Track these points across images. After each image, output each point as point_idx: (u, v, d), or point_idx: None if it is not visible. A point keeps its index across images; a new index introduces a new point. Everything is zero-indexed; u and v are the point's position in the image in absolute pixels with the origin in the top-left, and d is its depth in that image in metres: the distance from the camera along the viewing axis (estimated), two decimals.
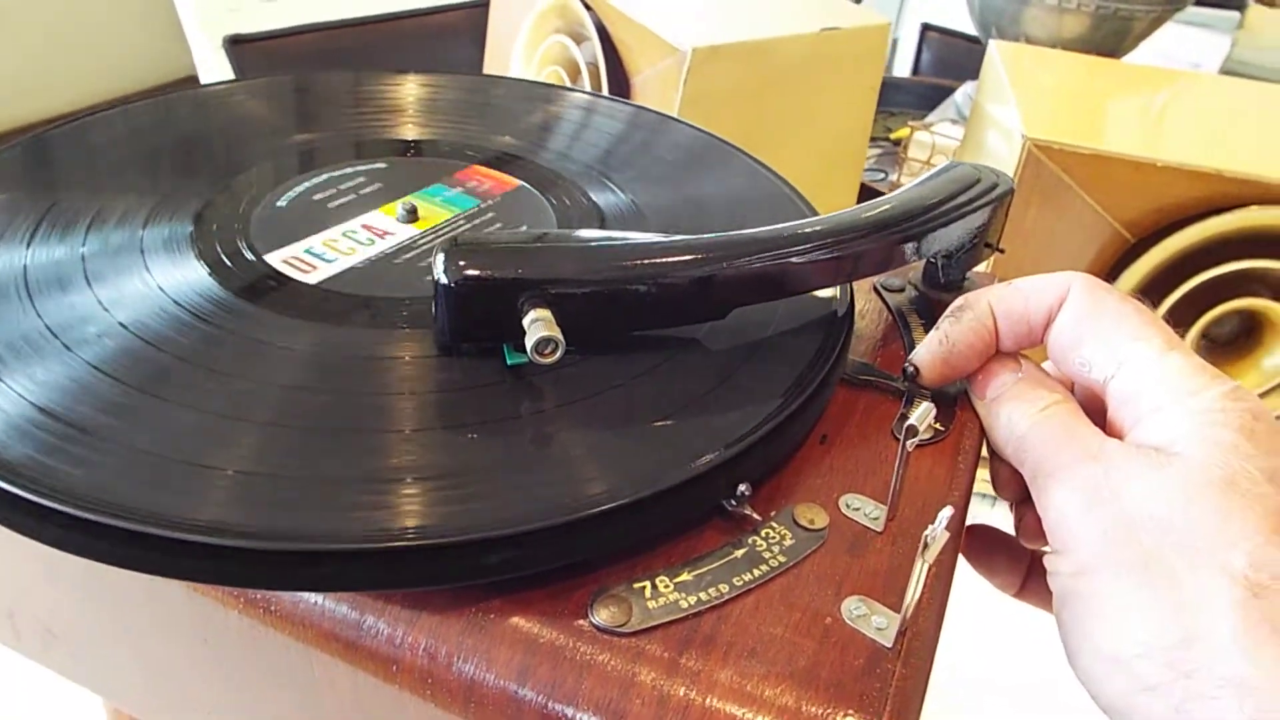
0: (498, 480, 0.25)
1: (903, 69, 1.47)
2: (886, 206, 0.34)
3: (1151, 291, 0.64)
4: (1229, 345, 0.67)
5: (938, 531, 0.23)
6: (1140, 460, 0.26)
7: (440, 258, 0.28)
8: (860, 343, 0.37)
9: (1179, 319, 0.64)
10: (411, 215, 0.37)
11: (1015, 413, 0.30)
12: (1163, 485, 0.25)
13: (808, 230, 0.32)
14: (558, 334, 0.28)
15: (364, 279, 0.33)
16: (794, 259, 0.31)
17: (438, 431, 0.27)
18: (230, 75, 1.22)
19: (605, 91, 0.77)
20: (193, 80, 1.34)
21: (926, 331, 0.37)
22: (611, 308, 0.29)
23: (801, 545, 0.27)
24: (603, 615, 0.25)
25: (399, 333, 0.30)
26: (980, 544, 0.35)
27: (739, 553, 0.27)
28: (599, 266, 0.29)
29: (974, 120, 0.79)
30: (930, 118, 1.10)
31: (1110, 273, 0.64)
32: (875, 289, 0.40)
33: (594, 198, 0.39)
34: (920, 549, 0.23)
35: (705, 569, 0.26)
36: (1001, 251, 0.39)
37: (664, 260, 0.29)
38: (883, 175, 1.04)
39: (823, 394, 0.31)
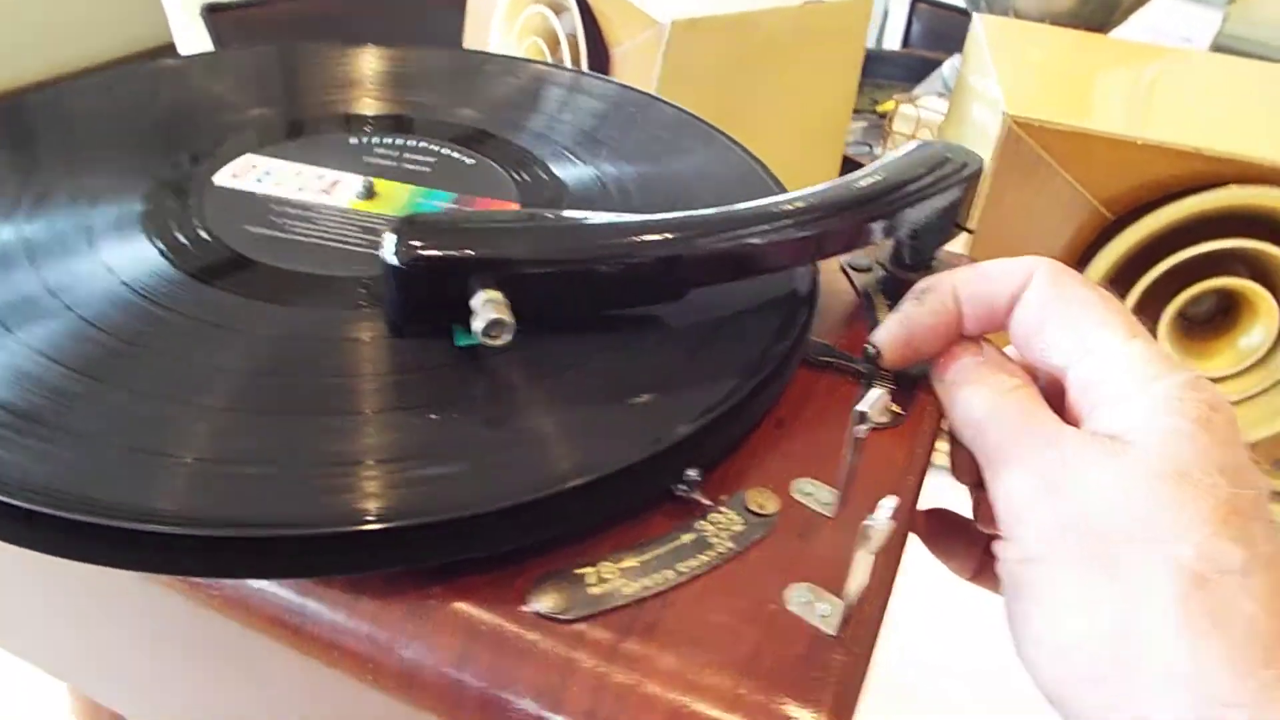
0: (438, 466, 0.25)
1: (893, 41, 1.45)
2: (852, 186, 0.34)
3: (1130, 269, 0.64)
4: (1206, 324, 0.67)
5: (879, 522, 0.22)
6: (1095, 448, 0.26)
7: (390, 238, 0.28)
8: (825, 323, 0.36)
9: (1156, 297, 0.64)
10: (370, 193, 0.36)
11: (974, 396, 0.30)
12: (1116, 474, 0.25)
13: (768, 210, 0.31)
14: (507, 316, 0.27)
15: (321, 258, 0.32)
16: (753, 240, 0.31)
17: (383, 414, 0.27)
18: (208, 44, 1.20)
19: (585, 64, 0.76)
20: (170, 49, 1.32)
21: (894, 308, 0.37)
22: (563, 289, 0.29)
23: (750, 531, 0.27)
24: (543, 602, 0.24)
25: (354, 313, 0.30)
26: (936, 527, 0.35)
27: (687, 538, 0.27)
28: (549, 247, 0.28)
29: (957, 95, 0.78)
30: (916, 91, 1.09)
31: (1089, 250, 0.64)
32: (842, 268, 0.39)
33: (558, 174, 0.39)
34: (859, 537, 0.23)
35: (651, 555, 0.26)
36: (970, 232, 0.39)
37: (617, 240, 0.29)
38: (867, 148, 1.03)
39: (781, 376, 0.31)
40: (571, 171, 0.39)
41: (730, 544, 0.27)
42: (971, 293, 0.31)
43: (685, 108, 0.45)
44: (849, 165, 1.06)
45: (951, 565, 0.35)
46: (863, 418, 0.26)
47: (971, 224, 0.66)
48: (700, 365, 0.30)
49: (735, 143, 0.42)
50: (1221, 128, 0.63)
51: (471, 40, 0.93)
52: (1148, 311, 0.65)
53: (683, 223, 0.30)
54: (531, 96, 0.45)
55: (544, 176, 0.38)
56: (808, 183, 0.36)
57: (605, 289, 0.29)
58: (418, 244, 0.28)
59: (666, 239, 0.29)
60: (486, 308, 0.27)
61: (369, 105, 0.42)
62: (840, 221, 0.32)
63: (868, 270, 0.39)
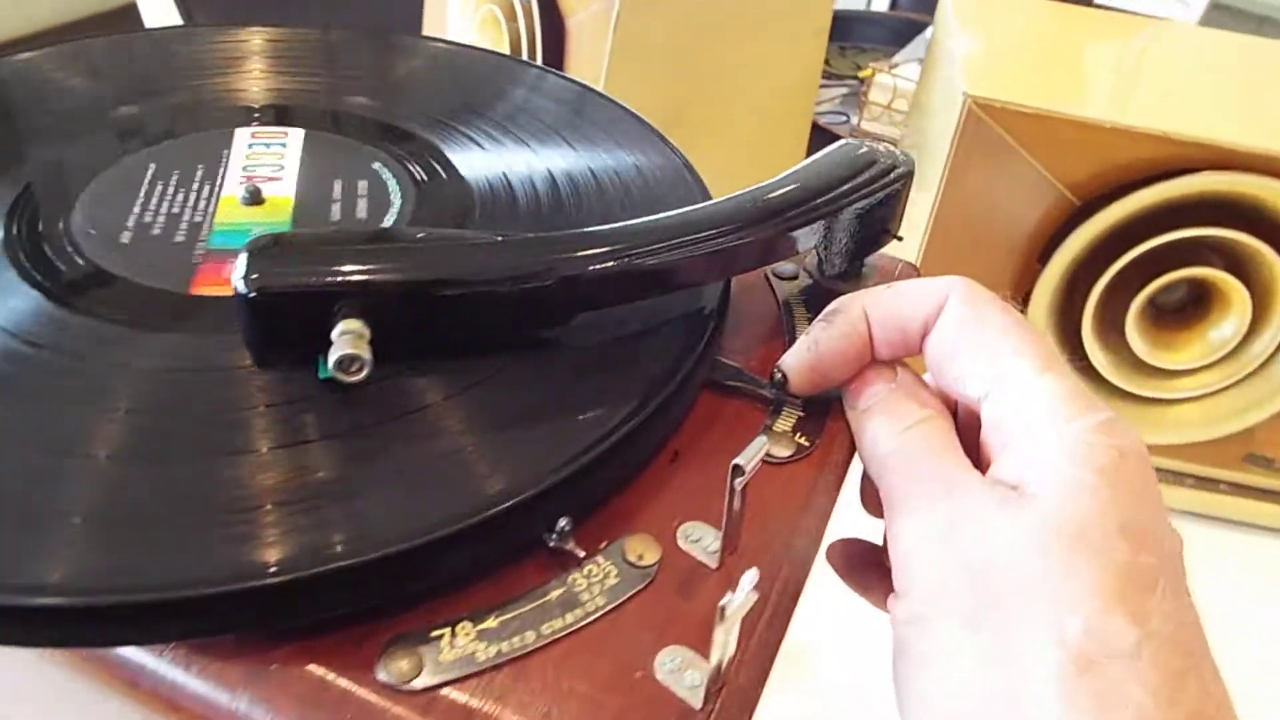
0: (276, 520, 0.23)
1: (881, 2, 1.41)
2: (763, 198, 0.31)
3: (1097, 257, 0.61)
4: (1176, 314, 0.64)
5: (737, 600, 0.21)
6: (993, 500, 0.24)
7: (240, 263, 0.26)
8: (740, 338, 0.34)
9: (1125, 285, 0.61)
10: (255, 198, 0.34)
11: (881, 428, 0.28)
12: (1010, 531, 0.23)
13: (665, 226, 0.29)
14: (364, 351, 0.25)
15: (187, 277, 0.30)
16: (647, 261, 0.28)
17: (223, 460, 0.25)
18: (174, 15, 1.17)
19: (539, 35, 0.73)
20: (132, 10, 1.28)
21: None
22: (433, 316, 0.27)
23: (626, 585, 0.25)
24: (389, 670, 0.23)
25: (210, 340, 0.28)
26: (850, 558, 0.33)
27: (555, 594, 0.25)
28: (416, 271, 0.26)
29: (926, 69, 0.75)
30: (897, 58, 1.06)
31: (1055, 236, 0.61)
32: (766, 276, 0.37)
33: (462, 171, 0.36)
34: (718, 617, 0.21)
35: (514, 614, 0.24)
36: (899, 239, 0.36)
37: (489, 264, 0.27)
38: (844, 119, 1.00)
39: (676, 405, 0.29)
40: (478, 169, 0.36)
41: (602, 600, 0.25)
42: (883, 315, 0.29)
43: (617, 92, 0.43)
44: (824, 136, 1.03)
45: (869, 598, 0.33)
46: (738, 471, 0.24)
47: (926, 212, 0.64)
48: (582, 397, 0.27)
49: (661, 138, 0.39)
50: (1198, 110, 0.60)
51: (431, 12, 0.89)
52: (1116, 300, 0.62)
53: (564, 243, 0.27)
54: (438, 81, 0.42)
55: (444, 175, 0.36)
56: (774, 156, 0.34)
57: (479, 317, 0.27)
58: (270, 270, 0.26)
59: (544, 262, 0.27)
60: (342, 341, 0.25)
61: (256, 95, 0.40)
62: (748, 238, 0.30)
63: (793, 279, 0.37)
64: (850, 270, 0.37)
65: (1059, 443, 0.24)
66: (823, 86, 1.17)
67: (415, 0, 0.92)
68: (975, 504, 0.24)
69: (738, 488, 0.24)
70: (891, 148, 0.36)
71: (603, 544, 0.26)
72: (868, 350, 0.29)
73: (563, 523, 0.25)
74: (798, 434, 0.30)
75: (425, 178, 0.36)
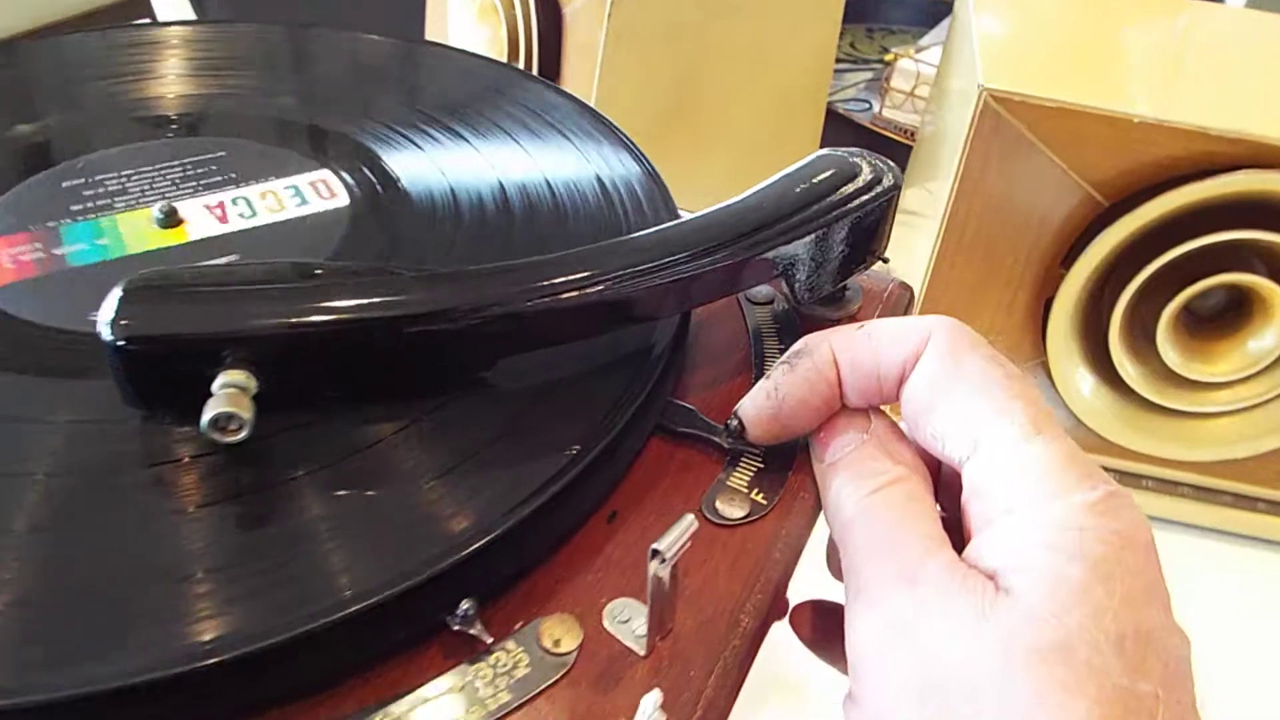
0: (113, 614, 0.20)
1: None
2: (722, 221, 0.28)
3: (1127, 261, 0.57)
4: (1212, 322, 0.60)
5: None
6: (962, 596, 0.20)
7: (109, 305, 0.23)
8: (701, 372, 0.31)
9: (1158, 292, 0.57)
10: (170, 220, 0.31)
11: (846, 489, 0.24)
12: (979, 641, 0.19)
13: (599, 257, 0.26)
14: (244, 409, 0.22)
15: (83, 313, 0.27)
16: (578, 298, 0.25)
17: (51, 537, 0.22)
18: (187, 8, 1.15)
19: (534, 24, 0.69)
20: (143, 4, 1.26)
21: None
22: (330, 365, 0.24)
23: (536, 676, 0.22)
24: None
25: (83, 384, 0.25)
26: (818, 627, 0.29)
27: (453, 688, 0.22)
28: (305, 316, 0.23)
29: (945, 58, 0.70)
30: (923, 40, 1.01)
31: (1080, 240, 0.57)
32: (738, 300, 0.33)
33: (400, 177, 0.33)
34: None
35: (403, 712, 0.21)
36: (885, 260, 0.32)
37: (389, 307, 0.23)
38: (866, 106, 0.96)
39: (612, 462, 0.26)
40: (418, 174, 0.33)
41: (508, 695, 0.22)
42: (853, 359, 0.25)
43: (614, 81, 0.39)
44: (844, 125, 0.98)
45: (838, 667, 0.29)
46: (657, 557, 0.20)
47: (941, 211, 0.60)
48: (497, 458, 0.24)
49: (630, 144, 0.36)
50: (1237, 102, 0.55)
51: (433, 5, 0.86)
52: (1147, 308, 0.58)
53: (478, 279, 0.24)
54: (377, 80, 0.39)
55: (377, 182, 0.33)
56: (784, 148, 0.30)
57: (378, 364, 0.24)
58: (142, 315, 0.23)
59: (451, 302, 0.23)
60: (219, 397, 0.22)
61: (172, 103, 0.36)
62: (702, 268, 0.27)
63: (767, 303, 0.33)
64: (832, 295, 0.33)
65: (1043, 527, 0.20)
66: (846, 71, 1.12)
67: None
68: (939, 599, 0.20)
69: (661, 575, 0.21)
70: (879, 159, 0.32)
71: (518, 625, 0.23)
72: (836, 398, 0.26)
73: (465, 606, 0.22)
74: (755, 490, 0.27)
75: (365, 190, 0.32)
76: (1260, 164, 0.52)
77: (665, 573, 0.21)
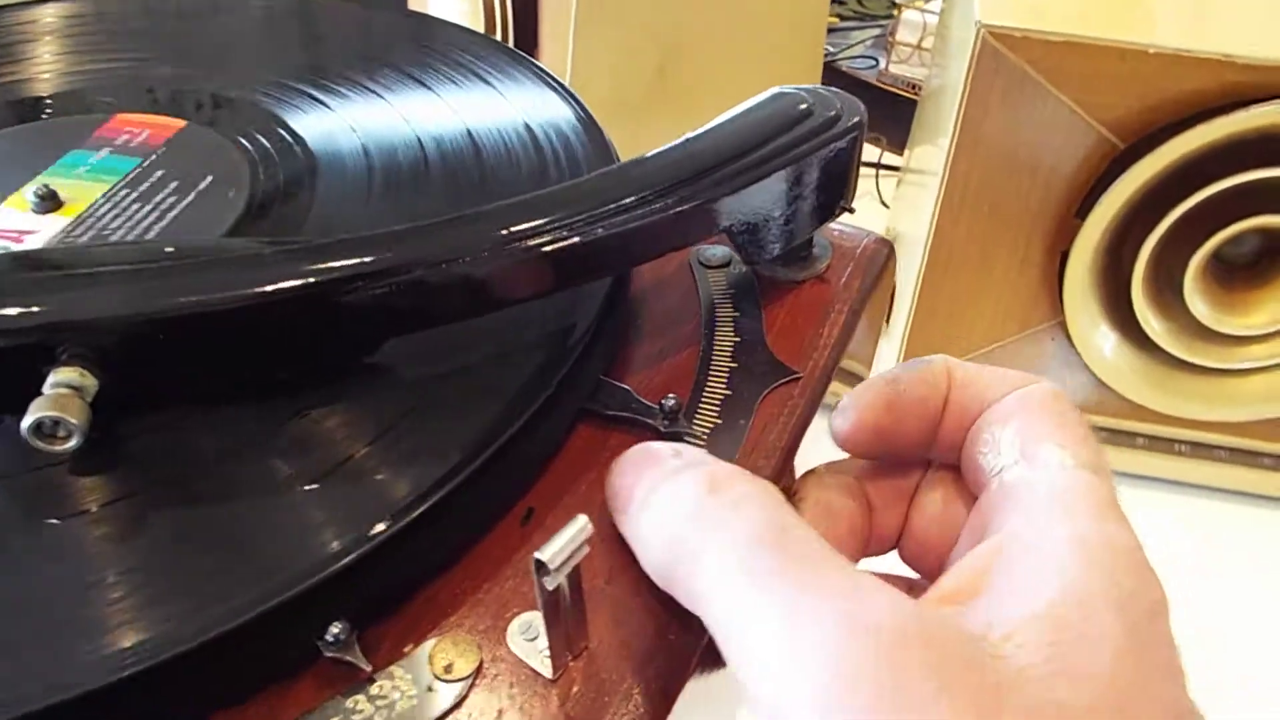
0: None
1: None
2: (662, 163, 0.24)
3: (1149, 207, 0.52)
4: (1245, 270, 0.55)
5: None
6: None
7: None
8: (647, 344, 0.27)
9: (1183, 238, 0.52)
10: (51, 201, 0.28)
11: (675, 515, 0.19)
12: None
13: (514, 213, 0.22)
14: (70, 413, 0.19)
15: None
16: (473, 269, 0.21)
17: None
18: None
19: None
20: None
21: (743, 324, 0.27)
22: (183, 356, 0.21)
23: (422, 709, 0.19)
24: None
25: None
26: None
27: None
28: (144, 303, 0.20)
29: (947, 4, 0.65)
30: None
31: (1097, 186, 0.52)
32: (689, 263, 0.30)
33: (300, 131, 0.29)
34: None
35: None
36: (851, 211, 0.29)
37: (241, 285, 0.20)
38: (873, 63, 0.91)
39: (524, 454, 0.22)
40: (325, 135, 0.30)
41: None
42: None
43: (589, 43, 0.36)
44: (851, 83, 0.94)
45: None
46: (542, 569, 0.17)
47: (938, 164, 0.55)
48: (387, 455, 0.21)
49: (559, 85, 0.32)
50: (1263, 27, 0.50)
51: None
52: (1172, 257, 0.53)
53: (349, 249, 0.21)
54: (274, 38, 0.35)
55: (280, 146, 0.29)
56: None
57: (239, 353, 0.21)
58: None
59: (314, 275, 0.20)
60: (45, 399, 0.19)
61: (47, 82, 0.33)
62: (638, 220, 0.23)
63: (723, 265, 0.30)
64: (795, 252, 0.29)
65: (1061, 568, 0.17)
66: (853, 29, 1.07)
67: None
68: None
69: (551, 587, 0.17)
70: (841, 95, 0.28)
71: (407, 647, 0.20)
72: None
73: (336, 629, 0.19)
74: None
75: (267, 155, 0.29)
76: None
77: (556, 584, 0.17)
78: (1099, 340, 0.57)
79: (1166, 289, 0.54)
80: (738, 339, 0.27)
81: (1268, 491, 0.61)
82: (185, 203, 0.27)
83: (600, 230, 0.23)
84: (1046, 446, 0.19)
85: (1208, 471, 0.61)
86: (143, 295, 0.19)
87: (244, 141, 0.29)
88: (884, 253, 0.31)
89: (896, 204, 0.78)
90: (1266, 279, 0.54)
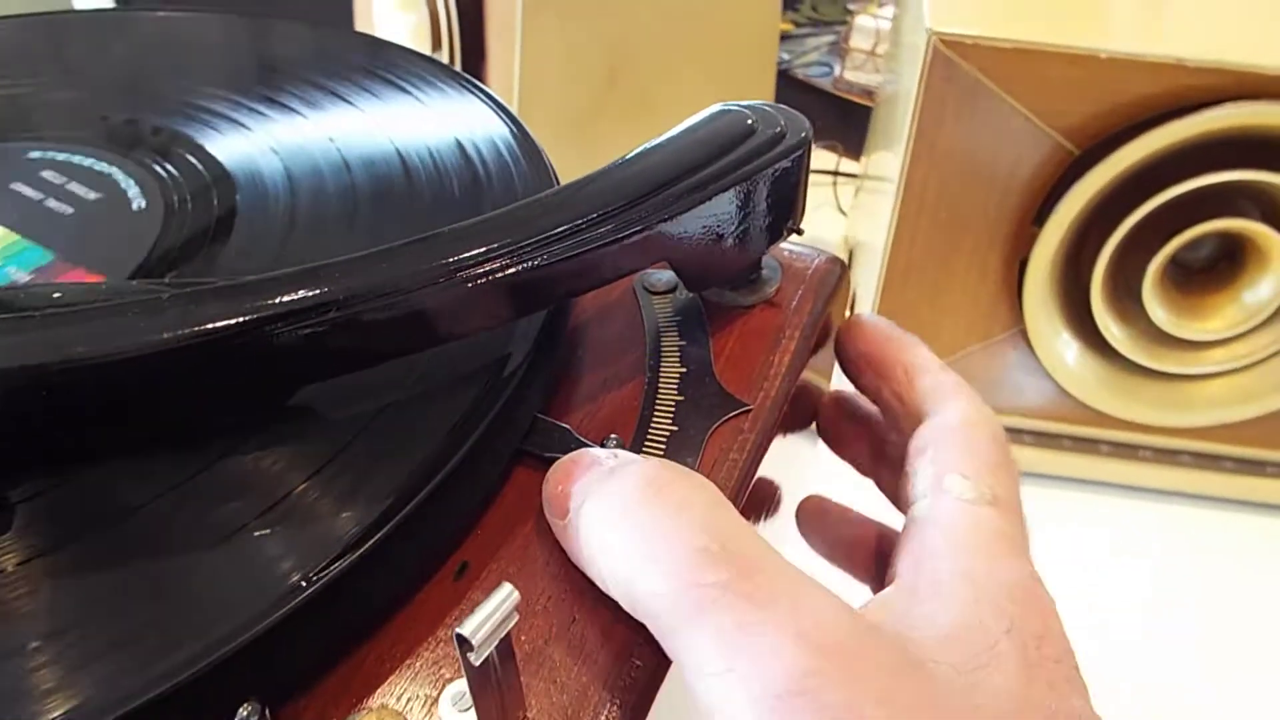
0: None
1: None
2: (604, 186, 0.23)
3: (1106, 213, 0.52)
4: (1203, 274, 0.55)
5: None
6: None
7: None
8: (591, 378, 0.26)
9: (1141, 243, 0.52)
10: None
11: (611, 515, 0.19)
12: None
13: (428, 252, 0.21)
14: None
15: None
16: (385, 312, 0.20)
17: None
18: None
19: (453, 3, 0.64)
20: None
21: (690, 352, 0.26)
22: (63, 414, 0.19)
23: None
24: None
25: None
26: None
27: None
28: (24, 355, 0.18)
29: (899, 11, 0.65)
30: None
31: (1053, 193, 0.52)
32: (633, 289, 0.28)
33: (219, 158, 0.28)
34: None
35: None
36: (799, 233, 0.27)
37: (126, 336, 0.18)
38: (828, 70, 0.90)
39: (457, 502, 0.21)
40: (244, 157, 0.28)
41: None
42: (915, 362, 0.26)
43: (535, 55, 0.34)
44: (806, 90, 0.93)
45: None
46: (465, 645, 0.15)
47: (894, 171, 0.55)
48: (306, 507, 0.19)
49: (485, 93, 0.30)
50: (1216, 28, 0.50)
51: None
52: (1130, 263, 0.53)
53: (251, 292, 0.19)
54: (188, 59, 0.34)
55: (193, 172, 0.27)
56: None
57: (129, 408, 0.19)
58: None
59: (203, 320, 0.18)
60: None
61: None
62: (577, 249, 0.22)
63: (668, 291, 0.28)
64: (742, 276, 0.28)
65: (961, 605, 0.19)
66: (807, 35, 1.07)
67: None
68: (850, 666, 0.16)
69: (477, 662, 0.16)
70: (786, 110, 0.27)
71: None
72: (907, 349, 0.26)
73: (244, 711, 0.17)
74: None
75: (180, 181, 0.27)
76: (1246, 95, 0.47)
77: (482, 659, 0.16)
78: (1060, 348, 0.56)
79: (1125, 295, 0.54)
80: (684, 369, 0.26)
81: (1231, 495, 0.61)
82: (85, 239, 0.25)
83: (553, 255, 0.21)
84: (951, 478, 0.22)
85: (1171, 477, 0.60)
86: (21, 348, 0.18)
87: (155, 167, 0.27)
88: (836, 272, 0.30)
89: (854, 212, 0.78)
90: (1223, 283, 0.54)
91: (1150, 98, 0.48)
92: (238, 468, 0.20)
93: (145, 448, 0.20)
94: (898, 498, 0.25)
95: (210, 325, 0.18)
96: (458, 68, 0.68)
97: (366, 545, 0.18)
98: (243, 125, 0.29)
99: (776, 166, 0.25)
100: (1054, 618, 0.19)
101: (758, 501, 0.25)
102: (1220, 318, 0.53)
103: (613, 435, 0.23)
